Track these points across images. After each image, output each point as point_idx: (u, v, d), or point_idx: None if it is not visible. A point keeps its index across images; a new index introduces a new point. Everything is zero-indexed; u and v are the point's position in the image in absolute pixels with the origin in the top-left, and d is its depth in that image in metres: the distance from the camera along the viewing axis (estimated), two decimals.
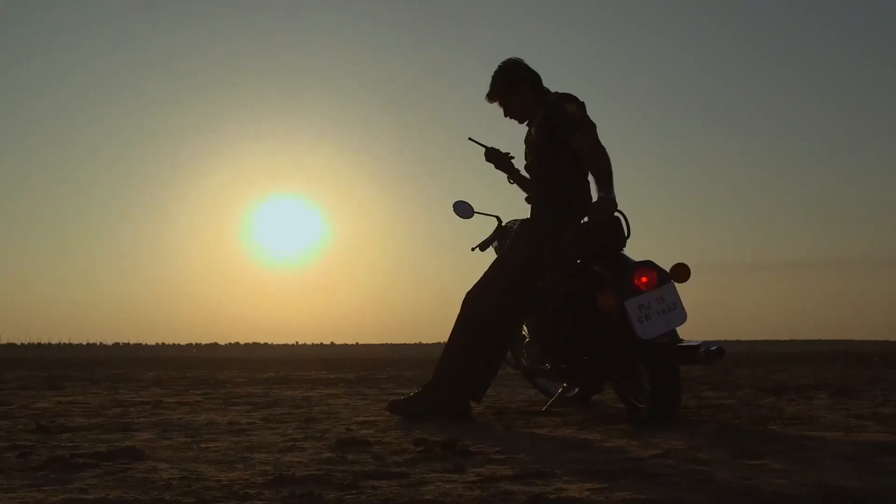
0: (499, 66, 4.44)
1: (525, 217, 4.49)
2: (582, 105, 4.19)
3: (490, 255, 5.02)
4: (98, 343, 62.27)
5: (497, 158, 4.61)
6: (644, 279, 3.74)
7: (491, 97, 4.47)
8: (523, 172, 4.60)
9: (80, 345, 60.19)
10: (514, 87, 4.38)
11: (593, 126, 4.16)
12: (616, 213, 3.92)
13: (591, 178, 4.27)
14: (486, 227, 5.10)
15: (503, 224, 5.05)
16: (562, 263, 4.18)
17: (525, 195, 4.68)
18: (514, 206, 5.25)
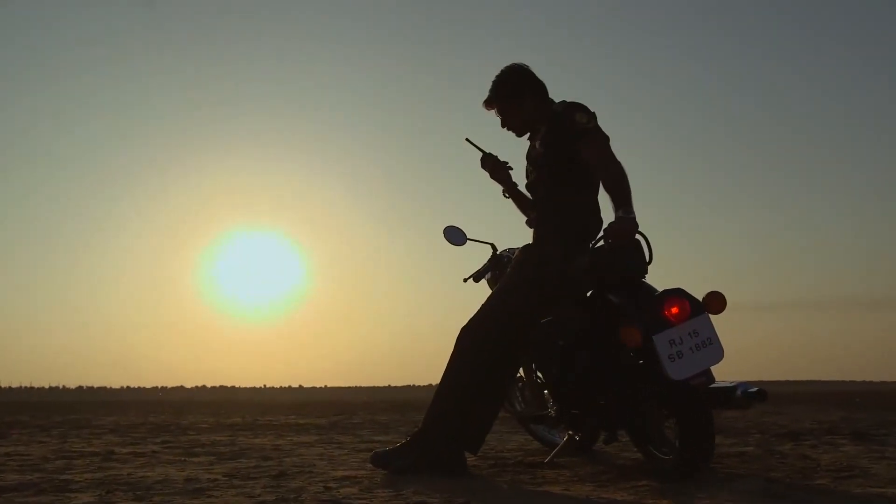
0: (501, 71, 3.96)
1: (526, 243, 3.98)
2: (593, 115, 3.70)
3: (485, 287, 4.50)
4: (60, 386, 60.90)
5: (494, 166, 4.12)
6: (674, 310, 3.21)
7: (489, 104, 3.98)
8: (523, 191, 4.10)
9: (42, 388, 58.83)
10: (515, 95, 3.90)
11: (606, 138, 3.67)
12: (636, 235, 3.41)
13: (596, 195, 3.81)
14: (480, 257, 4.59)
15: (498, 252, 4.54)
16: (572, 293, 3.66)
17: (523, 217, 4.18)
18: (511, 233, 4.72)
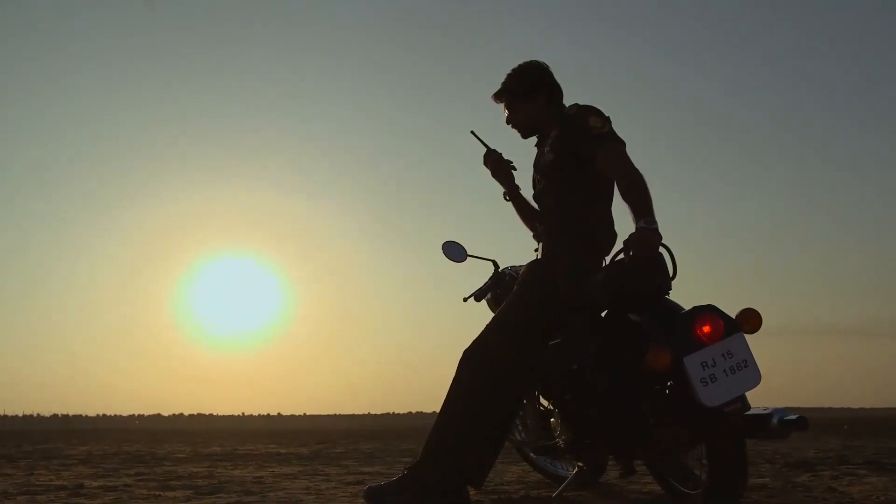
0: (519, 65, 3.67)
1: (533, 258, 3.67)
2: (607, 119, 3.41)
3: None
4: (35, 415, 59.92)
5: (496, 163, 3.82)
6: (706, 329, 2.89)
7: (499, 97, 3.69)
8: (528, 198, 3.81)
9: (15, 416, 57.82)
10: (528, 92, 3.61)
11: (622, 143, 3.37)
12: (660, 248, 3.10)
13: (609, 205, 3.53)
14: (481, 275, 4.27)
15: (500, 270, 4.23)
16: (586, 312, 3.34)
17: (526, 231, 3.88)
18: (514, 249, 4.41)
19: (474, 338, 3.53)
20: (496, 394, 3.43)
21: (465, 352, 3.51)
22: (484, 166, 3.85)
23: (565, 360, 3.37)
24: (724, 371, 2.86)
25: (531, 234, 3.87)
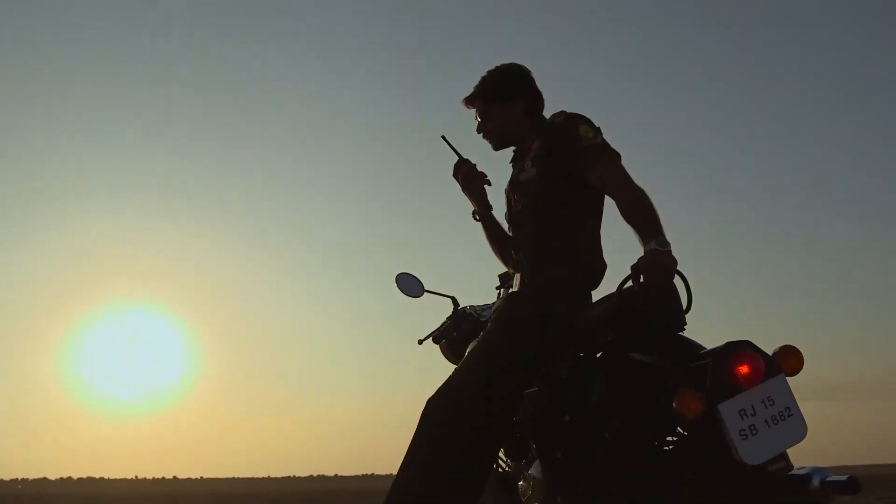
0: (496, 67, 3.21)
1: (512, 291, 3.14)
2: (598, 129, 2.93)
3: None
4: None
5: (468, 174, 3.31)
6: (744, 369, 2.38)
7: (470, 101, 3.21)
8: (500, 219, 3.32)
9: None
10: (504, 97, 3.13)
11: (618, 155, 2.89)
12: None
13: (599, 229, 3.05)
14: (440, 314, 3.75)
15: (460, 308, 3.71)
16: (576, 353, 2.83)
17: (496, 257, 3.38)
18: (476, 287, 3.87)
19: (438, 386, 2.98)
20: (466, 454, 2.87)
21: (430, 401, 2.94)
22: (453, 178, 3.34)
23: (556, 411, 2.82)
24: (766, 421, 2.35)
25: (499, 262, 3.38)
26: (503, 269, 3.54)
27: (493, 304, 3.74)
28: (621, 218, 2.75)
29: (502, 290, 3.67)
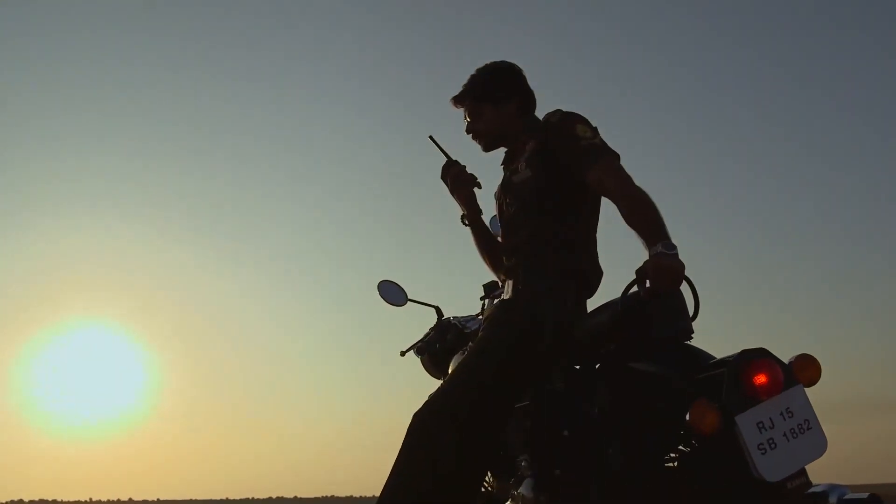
0: (486, 65, 3.09)
1: (501, 298, 2.99)
2: (595, 129, 2.80)
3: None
4: None
5: (457, 176, 3.17)
6: (762, 379, 2.24)
7: (460, 100, 3.08)
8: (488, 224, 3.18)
9: None
10: (494, 97, 3.00)
11: (617, 156, 2.75)
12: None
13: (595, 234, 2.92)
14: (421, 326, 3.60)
15: (444, 318, 3.55)
16: (578, 362, 2.68)
17: (484, 263, 3.23)
18: (460, 298, 3.72)
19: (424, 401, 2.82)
20: (453, 471, 2.70)
21: (417, 415, 2.78)
22: (441, 181, 3.19)
23: (554, 425, 2.67)
24: (785, 434, 2.21)
25: (485, 271, 3.23)
26: (489, 278, 3.41)
27: (478, 315, 3.60)
28: (614, 222, 2.63)
29: (487, 300, 3.53)
